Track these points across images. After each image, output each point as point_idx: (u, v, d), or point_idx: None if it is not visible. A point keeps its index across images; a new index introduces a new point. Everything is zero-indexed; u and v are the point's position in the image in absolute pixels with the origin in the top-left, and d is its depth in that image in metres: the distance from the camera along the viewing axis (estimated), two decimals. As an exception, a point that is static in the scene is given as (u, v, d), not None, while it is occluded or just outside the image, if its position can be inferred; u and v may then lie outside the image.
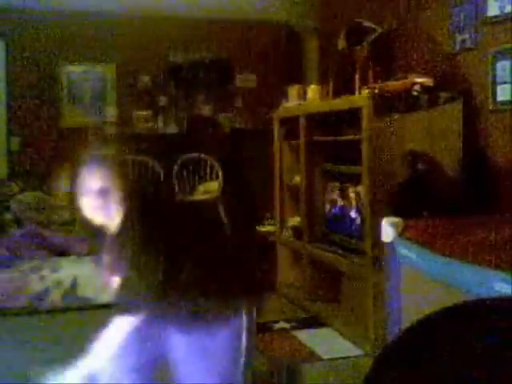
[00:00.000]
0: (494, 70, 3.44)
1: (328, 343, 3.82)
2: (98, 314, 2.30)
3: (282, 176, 5.06)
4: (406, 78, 3.69)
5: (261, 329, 4.08)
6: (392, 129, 3.51)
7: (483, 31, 3.53)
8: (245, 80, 6.89)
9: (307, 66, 6.10)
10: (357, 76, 4.12)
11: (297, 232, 4.72)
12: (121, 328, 1.81)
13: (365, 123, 3.54)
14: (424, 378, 0.69)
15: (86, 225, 1.89)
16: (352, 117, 3.71)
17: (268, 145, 5.25)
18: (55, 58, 6.44)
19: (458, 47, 3.74)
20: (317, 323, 4.17)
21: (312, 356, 3.61)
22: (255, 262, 1.90)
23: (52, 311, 4.54)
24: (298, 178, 4.75)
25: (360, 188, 3.75)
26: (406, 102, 3.53)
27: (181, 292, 1.80)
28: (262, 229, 5.69)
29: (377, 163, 3.51)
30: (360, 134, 3.61)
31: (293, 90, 4.98)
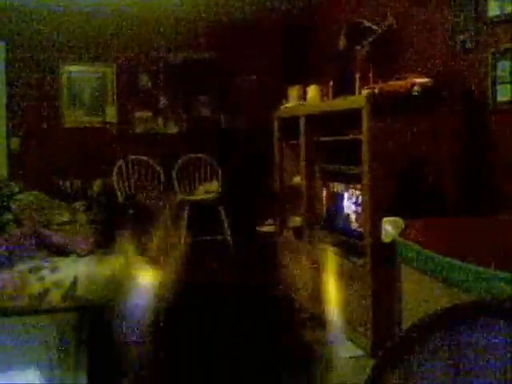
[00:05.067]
0: (494, 70, 3.44)
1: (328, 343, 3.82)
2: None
3: (282, 176, 5.06)
4: (406, 78, 3.69)
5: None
6: (392, 129, 3.51)
7: (483, 31, 3.53)
8: (245, 80, 6.89)
9: (307, 66, 6.10)
10: (357, 76, 4.12)
11: (297, 232, 4.71)
12: None
13: (364, 123, 3.54)
14: (424, 377, 0.69)
15: None
16: (352, 117, 3.71)
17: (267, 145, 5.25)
18: (55, 58, 6.44)
19: (457, 47, 3.74)
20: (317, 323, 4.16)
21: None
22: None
23: (52, 311, 4.54)
24: (297, 178, 4.75)
25: (360, 188, 3.75)
26: (405, 103, 3.53)
27: None
28: (262, 229, 5.69)
29: (376, 163, 3.51)
30: (360, 134, 3.61)
31: (293, 90, 4.98)
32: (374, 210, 3.49)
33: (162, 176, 6.49)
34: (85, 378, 1.53)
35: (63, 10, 6.18)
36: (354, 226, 3.94)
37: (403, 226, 2.87)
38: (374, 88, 3.69)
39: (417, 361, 0.69)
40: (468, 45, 3.65)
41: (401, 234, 2.86)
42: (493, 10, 3.44)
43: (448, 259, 2.37)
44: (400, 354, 0.72)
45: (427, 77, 3.66)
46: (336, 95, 4.35)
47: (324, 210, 4.40)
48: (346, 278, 4.03)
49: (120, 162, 6.42)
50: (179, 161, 6.55)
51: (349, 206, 4.03)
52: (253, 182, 6.51)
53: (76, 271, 4.68)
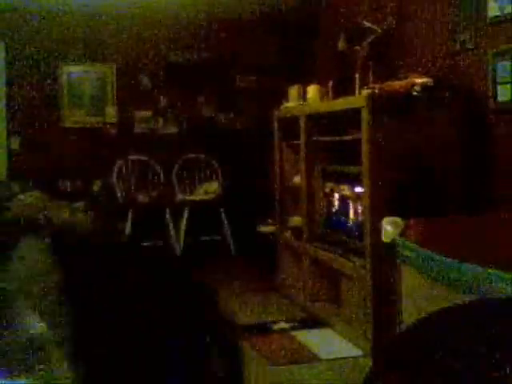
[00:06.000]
0: (494, 70, 3.44)
1: (328, 343, 3.82)
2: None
3: (282, 176, 5.06)
4: (406, 78, 3.69)
5: (261, 329, 4.08)
6: (392, 129, 3.51)
7: (483, 31, 3.53)
8: (245, 80, 6.89)
9: (307, 66, 6.10)
10: (357, 76, 4.12)
11: (297, 232, 4.72)
12: None
13: (364, 123, 3.54)
14: (424, 378, 0.69)
15: None
16: (352, 117, 3.71)
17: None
18: (55, 57, 6.44)
19: (457, 47, 3.74)
20: (317, 323, 4.17)
21: (312, 356, 3.61)
22: None
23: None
24: (297, 178, 4.75)
25: (360, 188, 3.75)
26: (405, 103, 3.53)
27: None
28: (263, 229, 5.69)
29: (376, 163, 3.51)
30: (360, 134, 3.61)
31: (293, 90, 4.98)
32: (374, 210, 3.49)
33: (161, 176, 6.49)
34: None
35: (63, 10, 6.18)
36: (354, 225, 3.94)
37: (403, 226, 2.87)
38: (374, 88, 3.69)
39: (415, 361, 0.69)
40: (468, 45, 3.65)
41: (401, 234, 2.86)
42: (493, 10, 3.44)
43: (448, 259, 2.37)
44: (398, 354, 0.72)
45: (427, 77, 3.66)
46: (336, 95, 4.35)
47: (324, 210, 4.40)
48: (346, 278, 4.03)
49: (120, 162, 6.42)
50: (179, 161, 6.55)
51: (349, 205, 4.03)
52: (253, 182, 6.52)
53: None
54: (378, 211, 3.42)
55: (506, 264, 2.11)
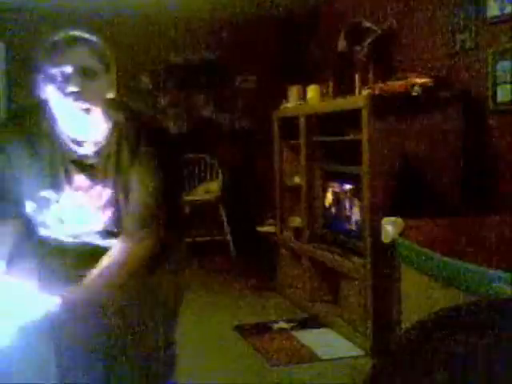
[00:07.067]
0: (494, 70, 3.44)
1: (328, 343, 3.82)
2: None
3: (282, 176, 5.06)
4: (406, 78, 3.69)
5: (261, 329, 4.08)
6: (392, 129, 3.51)
7: (483, 31, 3.54)
8: (244, 80, 6.89)
9: (307, 66, 6.10)
10: (357, 76, 4.12)
11: (297, 232, 4.72)
12: None
13: (364, 123, 3.54)
14: (424, 378, 0.69)
15: None
16: (352, 117, 3.71)
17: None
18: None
19: (457, 47, 3.74)
20: (317, 323, 4.17)
21: (312, 356, 3.61)
22: None
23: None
24: (297, 178, 4.75)
25: (360, 188, 3.75)
26: (405, 103, 3.53)
27: None
28: (262, 229, 5.70)
29: (376, 163, 3.51)
30: (360, 134, 3.61)
31: (293, 90, 4.98)
32: (374, 210, 3.49)
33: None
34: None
35: (63, 10, 6.18)
36: (354, 225, 3.94)
37: (403, 226, 2.88)
38: (373, 88, 3.69)
39: (416, 361, 0.70)
40: (468, 45, 3.65)
41: (401, 234, 2.86)
42: (493, 10, 3.44)
43: (448, 259, 2.37)
44: (399, 355, 0.72)
45: (427, 77, 3.66)
46: (336, 95, 4.35)
47: (324, 210, 4.40)
48: (346, 278, 4.03)
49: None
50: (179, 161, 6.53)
51: (349, 205, 4.03)
52: (253, 182, 6.52)
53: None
54: (377, 211, 3.42)
55: (506, 264, 2.12)
